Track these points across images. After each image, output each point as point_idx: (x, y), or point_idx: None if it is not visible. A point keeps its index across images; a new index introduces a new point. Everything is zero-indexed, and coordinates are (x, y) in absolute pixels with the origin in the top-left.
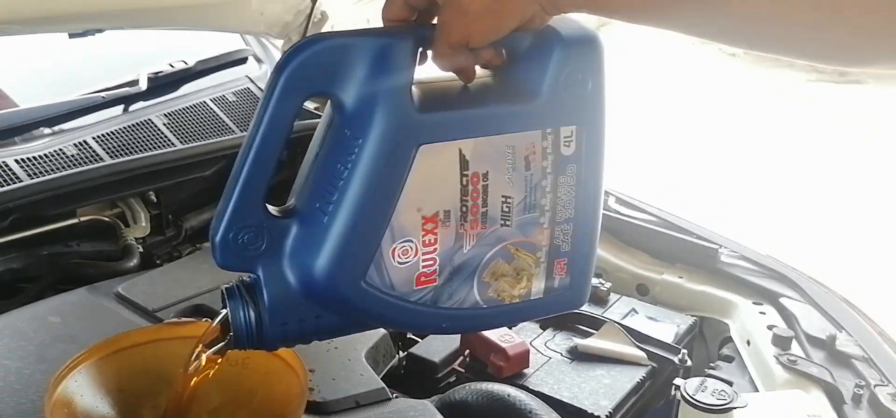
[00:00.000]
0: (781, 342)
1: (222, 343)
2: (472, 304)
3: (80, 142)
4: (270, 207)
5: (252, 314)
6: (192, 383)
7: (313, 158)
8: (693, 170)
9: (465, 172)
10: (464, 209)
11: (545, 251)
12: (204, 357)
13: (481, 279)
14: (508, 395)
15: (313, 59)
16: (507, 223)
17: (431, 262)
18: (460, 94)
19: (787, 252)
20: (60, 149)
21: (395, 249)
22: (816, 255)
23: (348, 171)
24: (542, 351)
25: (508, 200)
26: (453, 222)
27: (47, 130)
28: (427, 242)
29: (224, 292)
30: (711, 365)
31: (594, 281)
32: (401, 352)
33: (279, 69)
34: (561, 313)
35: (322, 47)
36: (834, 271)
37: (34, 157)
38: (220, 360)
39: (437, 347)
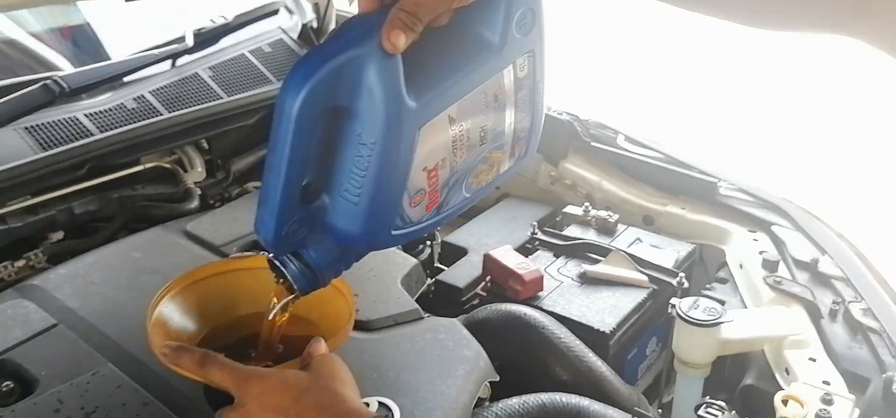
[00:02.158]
0: (769, 265)
1: (291, 296)
2: (460, 200)
3: (138, 97)
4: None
5: (308, 272)
6: (275, 325)
7: (322, 149)
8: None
9: (453, 127)
10: (454, 150)
11: (510, 143)
12: (279, 307)
13: (467, 182)
14: (524, 313)
15: (321, 83)
16: (484, 143)
17: (435, 194)
18: (435, 61)
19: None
20: (122, 104)
21: (411, 200)
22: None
23: (368, 168)
24: (555, 276)
25: (484, 129)
26: (448, 161)
27: (110, 87)
28: (432, 184)
29: (277, 263)
30: (707, 286)
31: (602, 213)
32: (430, 280)
33: (291, 95)
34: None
35: (326, 72)
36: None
37: (100, 112)
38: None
39: (461, 274)
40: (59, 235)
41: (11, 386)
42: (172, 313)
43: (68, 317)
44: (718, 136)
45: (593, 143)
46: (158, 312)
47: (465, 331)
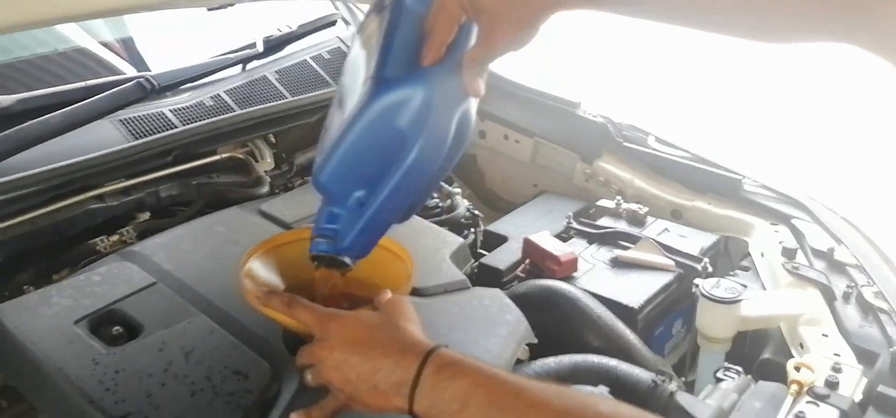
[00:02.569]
0: (788, 253)
1: (342, 268)
2: None
3: (215, 95)
4: None
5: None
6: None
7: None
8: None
9: None
10: None
11: None
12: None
13: None
14: (560, 287)
15: None
16: None
17: None
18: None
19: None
20: (201, 101)
21: None
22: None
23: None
24: (588, 260)
25: None
26: None
27: (189, 86)
28: None
29: (320, 258)
30: (731, 273)
31: (633, 205)
32: (474, 262)
33: None
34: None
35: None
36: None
37: (183, 108)
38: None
39: (502, 258)
40: (146, 216)
41: (121, 330)
42: (259, 269)
43: (165, 277)
44: (739, 134)
45: (625, 144)
46: (248, 267)
47: (507, 299)
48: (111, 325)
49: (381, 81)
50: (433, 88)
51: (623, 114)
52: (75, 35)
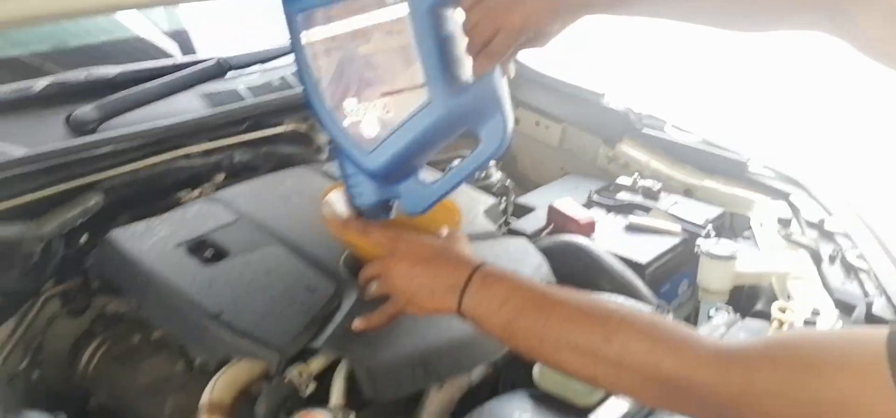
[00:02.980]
0: (783, 222)
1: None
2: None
3: (281, 77)
4: None
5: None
6: None
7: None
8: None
9: None
10: None
11: None
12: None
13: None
14: (578, 241)
15: None
16: None
17: None
18: None
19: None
20: (269, 81)
21: None
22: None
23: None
24: (605, 226)
25: None
26: None
27: (259, 67)
28: None
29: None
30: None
31: (649, 182)
32: (503, 224)
33: None
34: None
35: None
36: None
37: (254, 85)
38: None
39: (528, 224)
40: (222, 176)
41: (212, 253)
42: (336, 202)
43: (244, 216)
44: (748, 120)
45: (645, 130)
46: (327, 199)
47: (532, 246)
48: (204, 249)
49: (438, 90)
50: (488, 91)
51: (643, 105)
52: (133, 24)
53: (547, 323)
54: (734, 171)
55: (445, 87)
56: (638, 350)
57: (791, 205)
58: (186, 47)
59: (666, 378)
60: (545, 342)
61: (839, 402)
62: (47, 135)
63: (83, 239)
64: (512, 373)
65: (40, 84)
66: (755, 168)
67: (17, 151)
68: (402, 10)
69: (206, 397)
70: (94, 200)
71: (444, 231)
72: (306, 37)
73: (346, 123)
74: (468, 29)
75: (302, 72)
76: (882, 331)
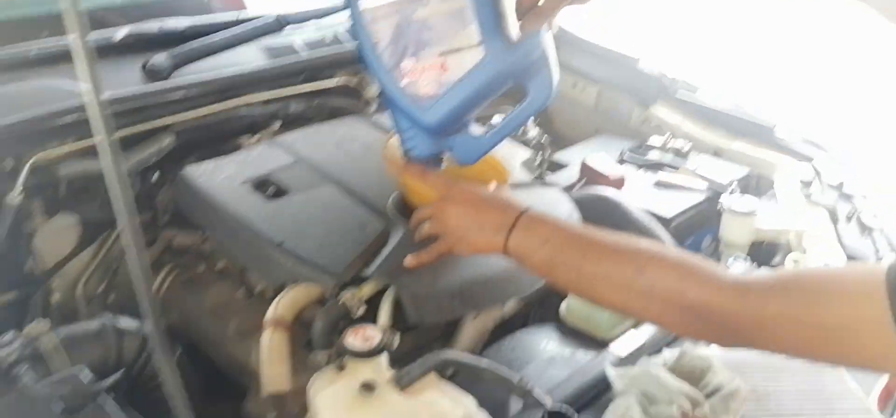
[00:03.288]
0: (805, 183)
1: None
2: None
3: (333, 34)
4: None
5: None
6: None
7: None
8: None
9: None
10: None
11: None
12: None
13: None
14: (607, 193)
15: None
16: None
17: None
18: None
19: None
20: (323, 37)
21: None
22: None
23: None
24: (635, 181)
25: None
26: None
27: (314, 23)
28: None
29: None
30: None
31: (679, 142)
32: (539, 175)
33: None
34: None
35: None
36: None
37: (309, 41)
38: None
39: (562, 178)
40: (277, 125)
41: (274, 190)
42: (397, 147)
43: (302, 159)
44: (772, 83)
45: (678, 94)
46: (390, 143)
47: (565, 196)
48: (267, 187)
49: (494, 48)
50: (536, 48)
51: (677, 70)
52: None
53: (584, 258)
54: (762, 135)
55: (499, 44)
56: (666, 281)
57: (814, 168)
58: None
59: (690, 305)
60: (582, 276)
61: (840, 327)
62: (126, 81)
63: (155, 177)
64: (541, 309)
65: (119, 34)
66: (782, 132)
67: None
68: None
69: (270, 314)
70: (166, 141)
71: (493, 185)
72: (364, 3)
73: (403, 83)
74: None
75: (360, 36)
76: (882, 265)
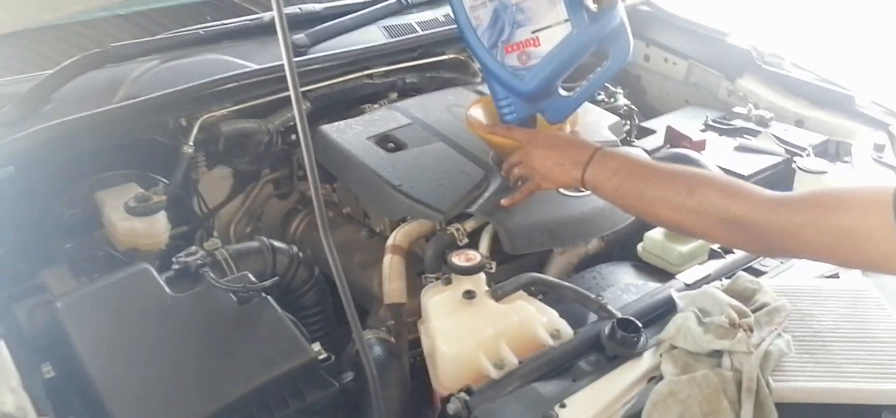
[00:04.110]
0: (878, 148)
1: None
2: None
3: (444, 15)
4: None
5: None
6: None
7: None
8: None
9: None
10: None
11: None
12: None
13: None
14: (685, 151)
15: None
16: None
17: None
18: None
19: None
20: (437, 17)
21: None
22: None
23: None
24: (716, 145)
25: None
26: None
27: (429, 5)
28: None
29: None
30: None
31: (762, 111)
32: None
33: None
34: None
35: None
36: None
37: (424, 20)
38: None
39: (648, 143)
40: (395, 95)
41: (393, 145)
42: (478, 114)
43: (417, 121)
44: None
45: (764, 66)
46: (470, 112)
47: (643, 152)
48: (387, 142)
49: (579, 22)
50: (613, 17)
51: (764, 42)
52: None
53: (646, 185)
54: (843, 104)
55: (583, 19)
56: (712, 199)
57: (889, 135)
58: None
59: (732, 219)
60: (645, 199)
61: (851, 230)
62: (274, 56)
63: (293, 137)
64: (621, 250)
65: (267, 16)
66: (862, 101)
67: (252, 66)
68: None
69: (390, 241)
70: (304, 106)
71: (567, 128)
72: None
73: (501, 58)
74: None
75: (461, 21)
76: (891, 184)
